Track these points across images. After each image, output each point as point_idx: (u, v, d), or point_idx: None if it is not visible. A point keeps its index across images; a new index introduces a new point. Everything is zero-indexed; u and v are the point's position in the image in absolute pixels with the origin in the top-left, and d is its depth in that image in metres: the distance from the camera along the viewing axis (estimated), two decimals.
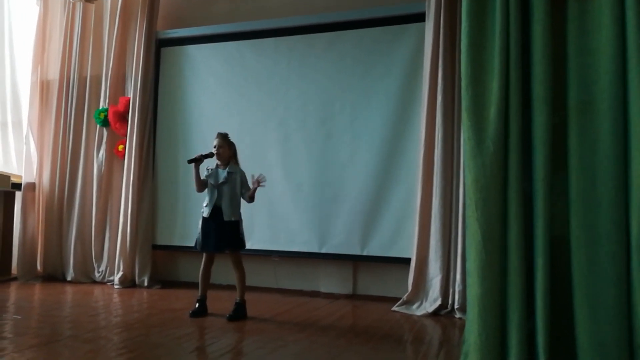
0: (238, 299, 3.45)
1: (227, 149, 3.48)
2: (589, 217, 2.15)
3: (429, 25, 4.02)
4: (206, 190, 3.48)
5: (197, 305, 3.50)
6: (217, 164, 3.50)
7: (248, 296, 3.53)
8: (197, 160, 3.44)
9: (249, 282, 3.58)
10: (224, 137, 3.50)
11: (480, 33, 2.35)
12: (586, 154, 2.18)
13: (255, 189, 3.42)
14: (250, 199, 3.47)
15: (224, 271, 3.98)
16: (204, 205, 3.47)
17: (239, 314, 3.41)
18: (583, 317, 2.12)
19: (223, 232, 3.40)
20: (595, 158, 2.17)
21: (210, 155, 3.47)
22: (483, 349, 2.18)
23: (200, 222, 3.49)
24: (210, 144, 3.54)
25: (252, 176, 3.42)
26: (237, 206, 3.49)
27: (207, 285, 3.55)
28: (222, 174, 3.45)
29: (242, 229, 3.50)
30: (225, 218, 3.40)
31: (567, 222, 2.22)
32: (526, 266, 2.21)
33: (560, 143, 2.25)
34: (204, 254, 3.51)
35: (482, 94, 2.32)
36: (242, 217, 3.53)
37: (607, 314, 2.09)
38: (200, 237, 3.45)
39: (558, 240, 2.22)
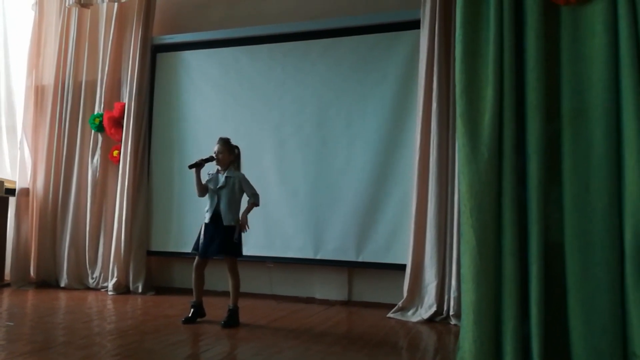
0: (231, 305, 3.43)
1: (227, 155, 3.47)
2: (582, 224, 2.17)
3: (424, 32, 4.04)
4: (207, 195, 3.48)
5: (191, 311, 3.47)
6: (217, 169, 3.50)
7: (243, 302, 3.51)
8: (198, 165, 3.42)
9: (243, 288, 3.57)
10: (224, 143, 3.48)
11: (475, 40, 2.37)
12: (580, 160, 2.20)
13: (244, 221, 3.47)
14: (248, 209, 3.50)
15: (219, 277, 3.97)
16: (205, 210, 3.46)
17: (233, 320, 3.39)
18: (577, 323, 2.13)
19: (222, 236, 3.38)
20: (588, 165, 2.18)
21: (210, 159, 3.45)
22: (478, 356, 2.19)
23: (202, 227, 3.48)
24: (205, 150, 3.53)
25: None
26: (237, 211, 3.47)
27: (201, 289, 3.51)
28: (221, 178, 3.45)
29: (240, 235, 3.47)
30: (225, 223, 3.39)
31: (561, 229, 2.23)
32: (521, 272, 2.21)
33: (554, 150, 2.27)
34: (196, 259, 3.49)
35: (476, 101, 2.34)
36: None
37: (601, 321, 2.09)
38: (202, 242, 3.42)
39: (552, 247, 2.23)
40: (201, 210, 3.53)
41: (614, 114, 2.15)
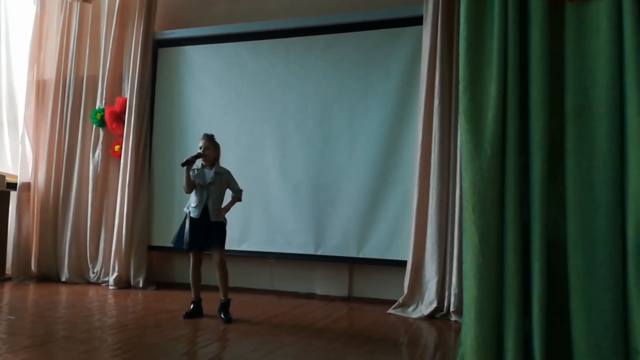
0: (223, 298, 3.45)
1: (212, 150, 3.49)
2: (585, 221, 2.16)
3: (427, 28, 4.03)
4: (194, 191, 3.48)
5: (191, 307, 3.49)
6: (202, 164, 3.51)
7: (244, 297, 3.53)
8: (190, 162, 3.43)
9: (245, 283, 3.59)
10: (209, 139, 3.51)
11: (479, 37, 2.36)
12: (583, 158, 2.19)
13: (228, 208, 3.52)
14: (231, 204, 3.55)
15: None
16: (192, 205, 3.46)
17: (230, 313, 3.41)
18: (579, 320, 2.12)
19: (210, 231, 3.41)
20: (592, 162, 2.17)
21: (199, 156, 3.47)
22: (479, 352, 2.18)
23: (186, 221, 3.48)
24: None
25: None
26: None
27: (199, 286, 3.55)
28: (209, 174, 3.46)
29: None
30: (212, 219, 3.41)
31: (563, 226, 2.22)
32: (523, 269, 2.21)
33: (558, 147, 2.26)
34: (192, 256, 3.51)
35: (479, 98, 2.32)
36: (239, 217, 3.53)
37: (603, 318, 2.09)
38: (187, 236, 3.43)
39: (555, 244, 2.23)
40: None
41: (618, 111, 2.14)
